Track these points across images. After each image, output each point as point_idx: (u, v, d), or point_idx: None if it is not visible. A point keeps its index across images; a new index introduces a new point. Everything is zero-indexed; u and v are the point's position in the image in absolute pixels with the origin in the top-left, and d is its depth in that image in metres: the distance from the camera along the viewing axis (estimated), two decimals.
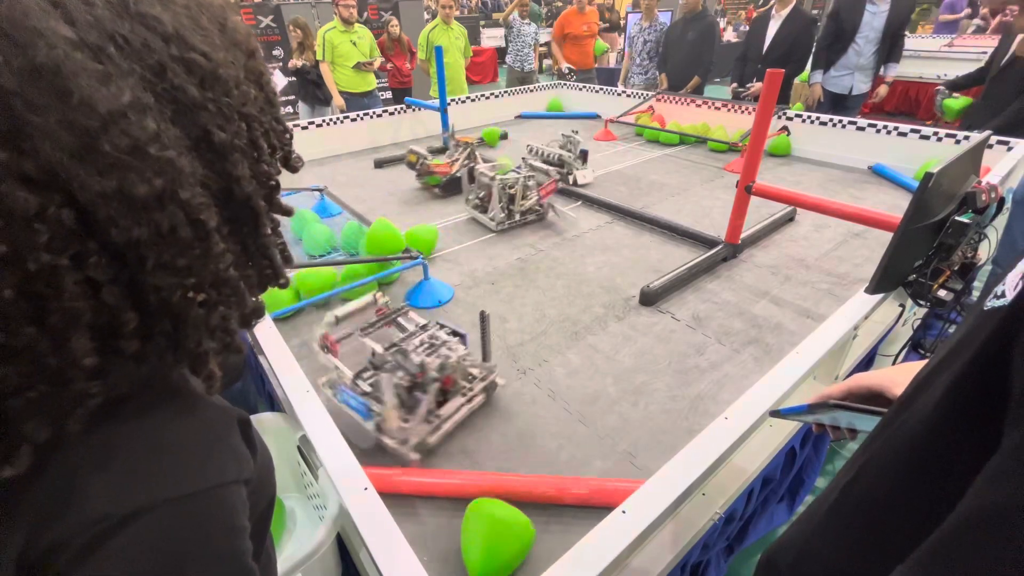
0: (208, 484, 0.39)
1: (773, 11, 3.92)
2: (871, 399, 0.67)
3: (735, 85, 4.30)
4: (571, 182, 3.04)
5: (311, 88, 4.74)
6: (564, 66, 5.18)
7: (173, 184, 0.34)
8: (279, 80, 4.84)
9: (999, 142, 2.74)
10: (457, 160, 2.94)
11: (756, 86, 4.08)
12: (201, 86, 0.37)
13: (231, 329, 0.42)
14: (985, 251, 1.52)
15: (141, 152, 0.32)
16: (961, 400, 0.41)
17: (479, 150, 3.03)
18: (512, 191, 2.43)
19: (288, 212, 0.48)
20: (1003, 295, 0.39)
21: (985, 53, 5.50)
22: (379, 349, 1.27)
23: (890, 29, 3.63)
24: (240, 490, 0.42)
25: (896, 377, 0.66)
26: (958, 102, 3.59)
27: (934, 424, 0.43)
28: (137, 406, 0.39)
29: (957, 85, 3.68)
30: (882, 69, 3.79)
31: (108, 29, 0.33)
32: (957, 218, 1.36)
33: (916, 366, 0.64)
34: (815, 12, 7.45)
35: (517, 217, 2.48)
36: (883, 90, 3.85)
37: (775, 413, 0.85)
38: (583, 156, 3.11)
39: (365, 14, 7.06)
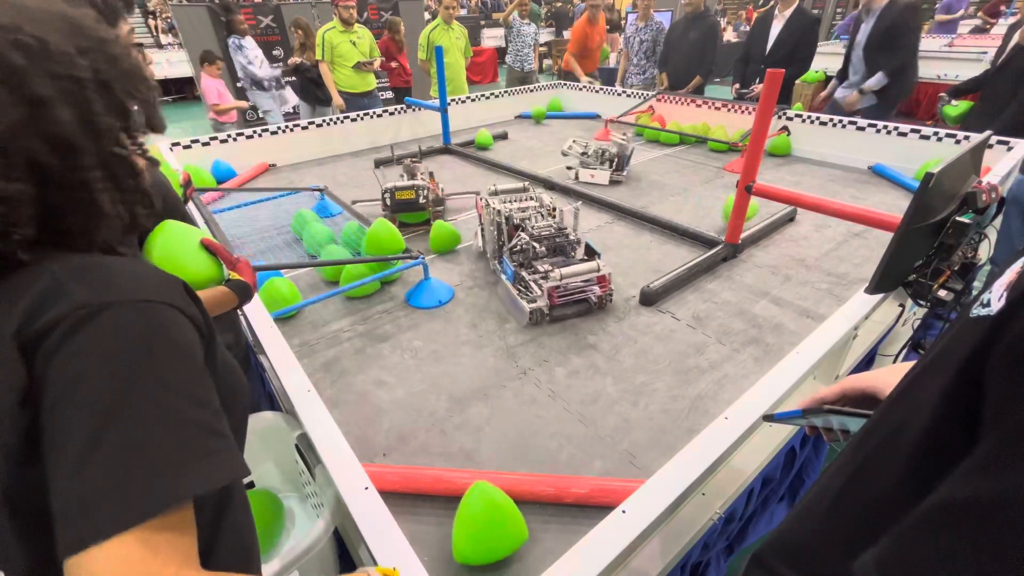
0: (160, 299, 0.51)
1: (776, 11, 3.91)
2: (865, 400, 0.68)
3: (738, 86, 4.30)
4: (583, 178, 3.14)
5: (311, 88, 4.74)
6: (585, 79, 5.19)
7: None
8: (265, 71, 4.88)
9: (999, 142, 2.74)
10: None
11: (760, 87, 4.06)
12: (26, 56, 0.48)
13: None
14: (985, 251, 1.52)
15: None
16: (954, 409, 0.41)
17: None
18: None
19: (160, 128, 0.66)
20: (989, 304, 0.40)
21: (986, 53, 5.51)
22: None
23: (871, 42, 3.45)
24: (186, 321, 0.53)
25: (889, 378, 0.66)
26: (957, 108, 3.57)
27: (930, 431, 0.43)
28: (105, 251, 0.56)
29: (959, 91, 3.64)
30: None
31: None
32: (958, 218, 1.36)
33: (909, 367, 0.65)
34: (815, 12, 7.43)
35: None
36: (852, 97, 3.65)
37: (768, 418, 0.85)
38: (620, 162, 3.13)
39: (365, 14, 7.06)
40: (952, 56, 5.98)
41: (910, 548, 0.38)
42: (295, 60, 4.67)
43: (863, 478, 0.51)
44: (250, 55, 4.83)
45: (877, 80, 3.49)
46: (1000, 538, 0.32)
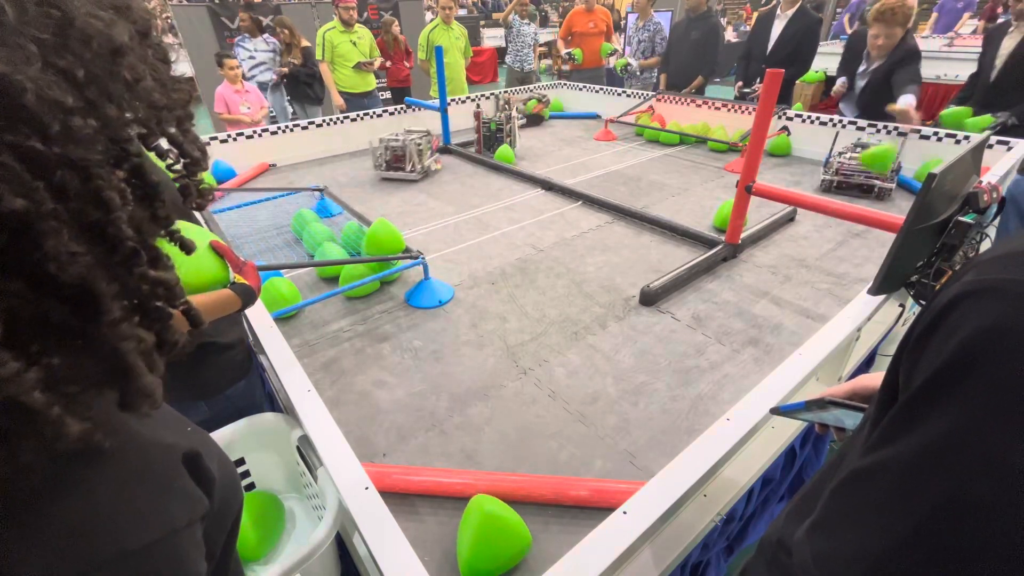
0: (154, 536, 0.35)
1: (778, 10, 3.91)
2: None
3: (740, 84, 4.29)
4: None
5: (302, 88, 4.73)
6: (564, 52, 5.12)
7: None
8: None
9: (999, 142, 2.74)
10: None
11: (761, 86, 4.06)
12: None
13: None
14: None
15: None
16: (886, 397, 0.47)
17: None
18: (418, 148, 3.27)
19: (169, 282, 0.35)
20: None
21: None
22: None
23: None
24: (193, 532, 0.39)
25: None
26: (953, 113, 3.41)
27: (874, 418, 0.47)
28: (60, 465, 0.32)
29: (961, 99, 3.60)
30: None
31: None
32: (960, 218, 1.36)
33: None
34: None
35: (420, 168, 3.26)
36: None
37: (775, 410, 0.86)
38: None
39: (365, 14, 7.05)
40: (952, 56, 5.97)
41: (825, 511, 0.46)
42: (283, 68, 4.68)
43: (840, 466, 0.54)
44: (243, 55, 4.87)
45: None
46: (877, 495, 0.40)
